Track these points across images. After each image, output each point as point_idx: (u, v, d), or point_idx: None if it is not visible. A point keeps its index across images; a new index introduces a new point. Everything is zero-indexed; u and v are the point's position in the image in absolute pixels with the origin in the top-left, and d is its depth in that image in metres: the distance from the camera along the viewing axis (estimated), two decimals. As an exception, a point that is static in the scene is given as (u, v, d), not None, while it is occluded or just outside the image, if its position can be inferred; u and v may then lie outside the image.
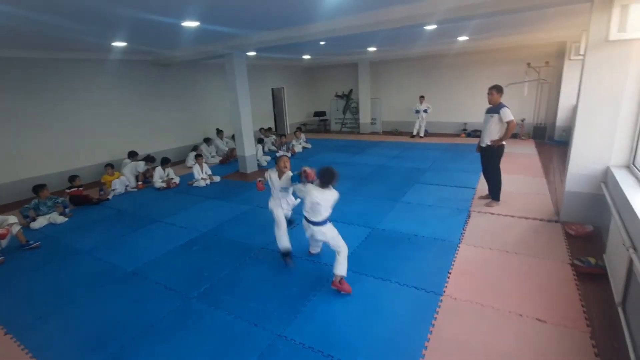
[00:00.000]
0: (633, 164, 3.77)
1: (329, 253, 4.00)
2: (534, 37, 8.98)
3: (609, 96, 3.86)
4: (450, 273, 3.45)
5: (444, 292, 3.14)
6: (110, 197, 6.72)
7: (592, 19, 3.76)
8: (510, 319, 2.74)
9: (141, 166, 7.51)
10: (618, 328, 2.55)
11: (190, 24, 5.08)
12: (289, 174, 3.73)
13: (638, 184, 3.30)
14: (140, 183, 7.39)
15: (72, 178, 6.48)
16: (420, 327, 2.71)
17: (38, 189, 5.58)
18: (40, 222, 5.38)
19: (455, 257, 3.74)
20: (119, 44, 6.53)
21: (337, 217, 5.02)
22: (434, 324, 2.73)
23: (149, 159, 7.64)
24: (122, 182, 7.09)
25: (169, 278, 3.71)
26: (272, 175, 3.84)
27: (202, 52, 7.70)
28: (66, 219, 5.63)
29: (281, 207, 3.87)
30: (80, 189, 6.49)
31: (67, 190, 6.36)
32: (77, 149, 7.71)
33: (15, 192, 6.80)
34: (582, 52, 7.23)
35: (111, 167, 7.20)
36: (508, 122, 4.72)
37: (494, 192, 5.17)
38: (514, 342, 2.51)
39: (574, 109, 4.93)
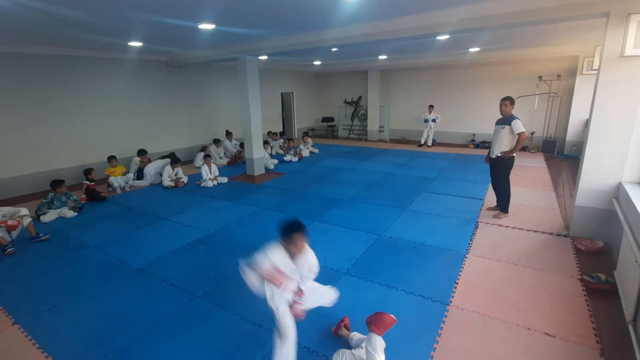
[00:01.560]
0: (646, 180, 3.73)
1: (337, 259, 4.00)
2: (546, 51, 8.97)
3: (623, 111, 3.84)
4: (457, 283, 3.42)
5: (451, 302, 3.12)
6: (118, 192, 6.80)
7: (607, 34, 3.76)
8: (519, 332, 2.71)
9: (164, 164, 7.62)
10: (629, 346, 2.51)
11: (206, 26, 5.16)
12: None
13: (651, 200, 3.26)
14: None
15: (88, 171, 6.56)
16: (426, 337, 2.69)
17: (56, 184, 5.66)
18: (50, 216, 5.44)
19: (463, 268, 3.71)
20: (135, 43, 6.65)
21: (343, 223, 5.06)
22: (440, 334, 2.71)
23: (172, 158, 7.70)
24: (127, 178, 7.21)
25: (175, 276, 3.73)
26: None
27: (216, 55, 7.80)
28: (76, 213, 5.69)
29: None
30: (92, 183, 6.56)
31: (87, 182, 6.43)
32: (89, 145, 7.82)
33: (27, 185, 6.92)
34: (595, 66, 7.20)
35: (114, 159, 7.27)
36: (519, 134, 4.70)
37: (503, 204, 5.14)
38: (522, 356, 2.48)
39: (586, 124, 4.91)
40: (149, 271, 3.86)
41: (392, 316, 2.26)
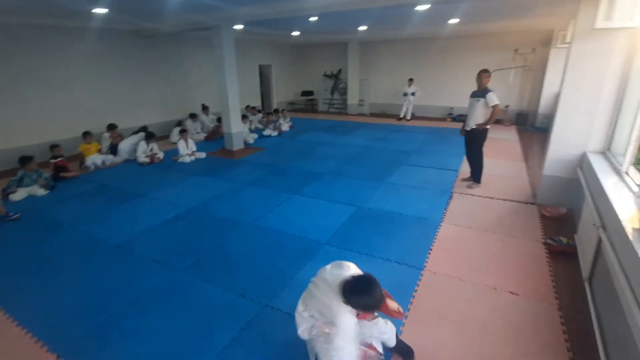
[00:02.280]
0: (609, 150, 3.95)
1: (317, 231, 4.09)
2: (522, 24, 9.03)
3: (591, 84, 3.98)
4: (431, 250, 3.59)
5: (425, 267, 3.28)
6: (92, 169, 6.58)
7: (580, 6, 3.83)
8: (486, 292, 2.91)
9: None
10: (584, 301, 2.75)
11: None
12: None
13: (611, 168, 3.47)
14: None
15: (53, 147, 6.22)
16: (401, 299, 2.79)
17: (25, 160, 5.38)
18: (20, 195, 5.21)
19: (437, 235, 3.89)
20: (100, 10, 6.20)
21: (323, 195, 5.13)
22: (414, 296, 2.87)
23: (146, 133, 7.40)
24: (105, 158, 6.96)
25: (155, 251, 3.72)
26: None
27: (189, 24, 7.41)
28: (47, 191, 5.47)
29: None
30: (61, 158, 6.24)
31: (53, 160, 6.10)
32: (55, 120, 7.39)
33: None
34: (568, 40, 7.35)
35: (90, 135, 6.97)
36: (493, 106, 4.81)
37: (476, 175, 5.33)
38: (489, 313, 2.67)
39: (557, 97, 5.07)
40: (127, 248, 3.83)
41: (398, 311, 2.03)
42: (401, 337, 2.34)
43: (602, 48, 3.83)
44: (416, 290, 2.95)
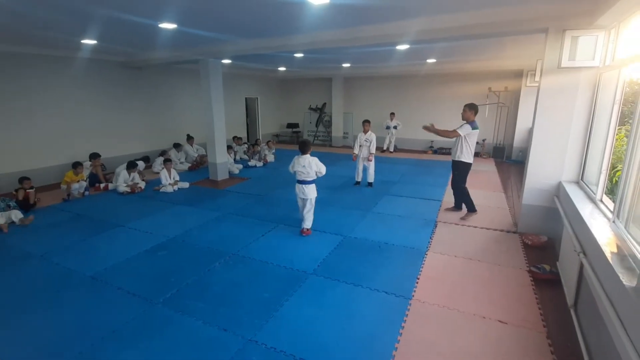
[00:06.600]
0: (582, 179, 4.14)
1: (303, 261, 4.01)
2: (493, 64, 9.69)
3: (561, 118, 4.24)
4: (418, 279, 3.56)
5: (413, 296, 3.23)
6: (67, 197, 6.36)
7: (546, 47, 4.16)
8: (475, 321, 2.87)
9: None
10: (571, 328, 2.75)
11: (168, 26, 5.02)
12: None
13: (586, 197, 3.62)
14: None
15: (21, 180, 5.92)
16: (390, 330, 2.77)
17: None
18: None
19: (423, 264, 3.87)
20: (89, 41, 6.28)
21: (310, 225, 5.07)
22: (403, 326, 2.80)
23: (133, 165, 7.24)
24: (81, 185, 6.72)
25: (132, 283, 3.53)
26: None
27: (177, 57, 7.57)
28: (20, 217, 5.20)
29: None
30: (31, 190, 5.92)
31: (14, 192, 5.81)
32: (36, 148, 7.20)
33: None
34: (537, 79, 7.89)
35: (80, 165, 6.70)
36: (453, 130, 5.08)
37: (469, 205, 5.40)
38: (479, 342, 2.63)
39: (530, 131, 5.34)
40: (103, 279, 3.62)
41: None
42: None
43: (569, 85, 4.12)
44: (405, 320, 2.88)
